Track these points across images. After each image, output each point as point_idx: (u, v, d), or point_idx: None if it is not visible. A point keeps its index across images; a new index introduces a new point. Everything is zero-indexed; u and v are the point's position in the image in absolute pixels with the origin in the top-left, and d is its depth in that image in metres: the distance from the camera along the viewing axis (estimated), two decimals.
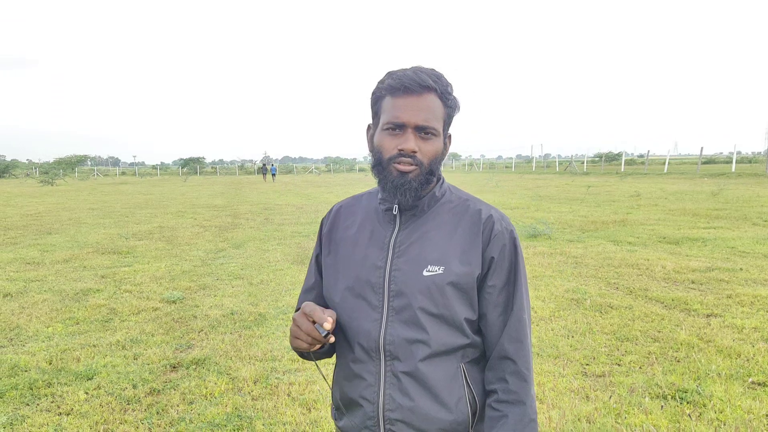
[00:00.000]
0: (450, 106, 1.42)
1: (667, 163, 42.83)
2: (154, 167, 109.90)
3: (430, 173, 1.41)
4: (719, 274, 7.44)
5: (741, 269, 7.74)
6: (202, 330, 5.65)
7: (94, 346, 5.22)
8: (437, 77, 1.39)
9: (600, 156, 61.89)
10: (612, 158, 61.40)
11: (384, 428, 1.44)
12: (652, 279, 7.35)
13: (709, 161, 57.09)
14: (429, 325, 1.40)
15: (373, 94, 1.44)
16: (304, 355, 1.50)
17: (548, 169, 58.55)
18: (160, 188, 36.77)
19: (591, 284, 7.17)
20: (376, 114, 1.45)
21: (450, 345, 1.42)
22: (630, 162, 59.05)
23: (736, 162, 38.91)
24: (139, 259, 9.64)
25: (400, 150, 1.37)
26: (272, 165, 58.47)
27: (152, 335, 5.51)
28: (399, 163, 1.37)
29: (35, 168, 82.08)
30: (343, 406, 1.53)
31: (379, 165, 1.41)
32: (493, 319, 1.45)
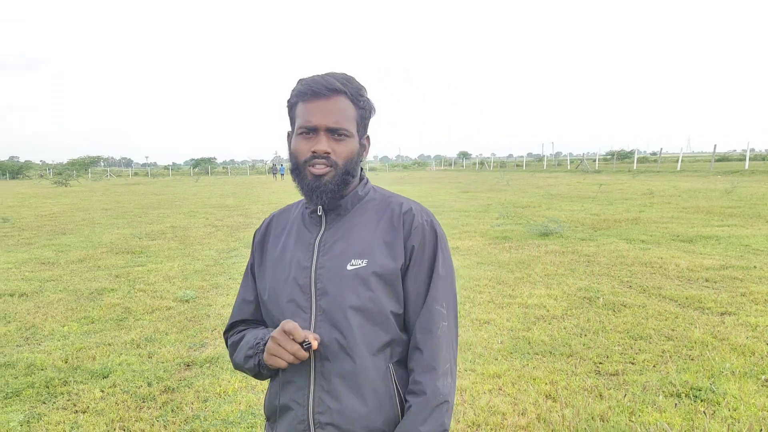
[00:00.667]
0: (362, 107, 1.45)
1: (680, 160, 42.51)
2: (166, 168, 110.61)
3: (347, 173, 1.44)
4: (733, 272, 7.39)
5: (755, 267, 7.68)
6: (215, 329, 5.68)
7: (109, 344, 5.27)
8: (347, 80, 1.43)
9: (612, 154, 61.51)
10: (624, 156, 60.99)
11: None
12: (666, 277, 7.31)
13: (723, 159, 56.58)
14: (355, 323, 1.40)
15: (288, 101, 1.48)
16: (260, 374, 1.50)
17: (559, 168, 58.29)
18: (173, 188, 37.00)
19: (604, 283, 7.14)
20: (292, 120, 1.48)
21: (377, 343, 1.42)
22: (642, 160, 58.62)
23: (749, 159, 38.51)
24: (152, 259, 9.72)
25: (313, 152, 1.40)
26: (281, 165, 58.52)
27: (166, 334, 5.55)
28: (313, 165, 1.41)
29: (49, 169, 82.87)
30: (276, 413, 1.52)
31: (296, 169, 1.45)
32: (411, 309, 1.45)
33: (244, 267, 7.20)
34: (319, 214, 1.50)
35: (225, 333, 1.67)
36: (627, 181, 29.53)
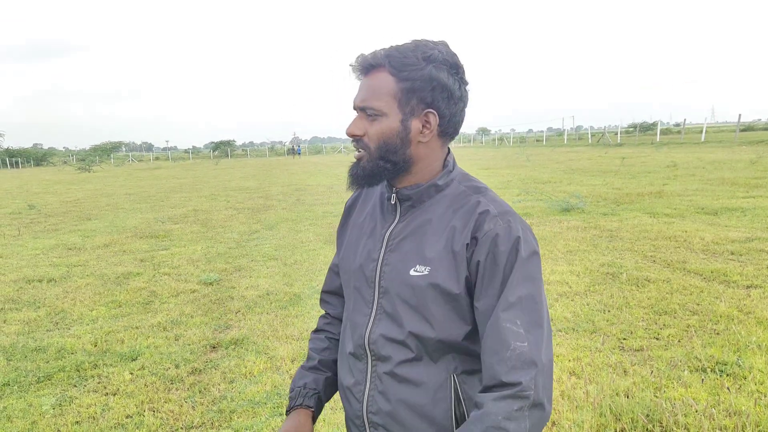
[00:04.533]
0: (407, 78, 1.24)
1: (704, 131, 41.77)
2: (186, 151, 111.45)
3: (381, 158, 1.27)
4: (759, 245, 7.28)
5: None
6: (239, 311, 5.76)
7: (137, 327, 5.36)
8: (394, 50, 1.25)
9: (634, 126, 60.60)
10: (647, 128, 60.07)
11: (368, 431, 1.37)
12: (691, 251, 7.22)
13: (748, 128, 55.41)
14: (415, 328, 1.28)
15: None
16: None
17: (580, 142, 57.60)
18: (193, 172, 37.29)
19: (627, 258, 7.08)
20: None
21: (437, 351, 1.29)
22: (665, 131, 57.68)
23: None
24: (175, 243, 9.84)
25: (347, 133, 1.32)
26: (298, 146, 58.77)
27: (191, 316, 5.64)
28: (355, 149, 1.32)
29: (72, 155, 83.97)
30: (341, 391, 1.47)
31: None
32: (480, 329, 1.25)
33: (266, 250, 7.27)
34: (393, 202, 1.36)
35: (320, 305, 1.68)
36: (650, 153, 29.10)
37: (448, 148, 1.37)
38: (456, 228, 1.27)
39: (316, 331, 1.63)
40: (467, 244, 1.24)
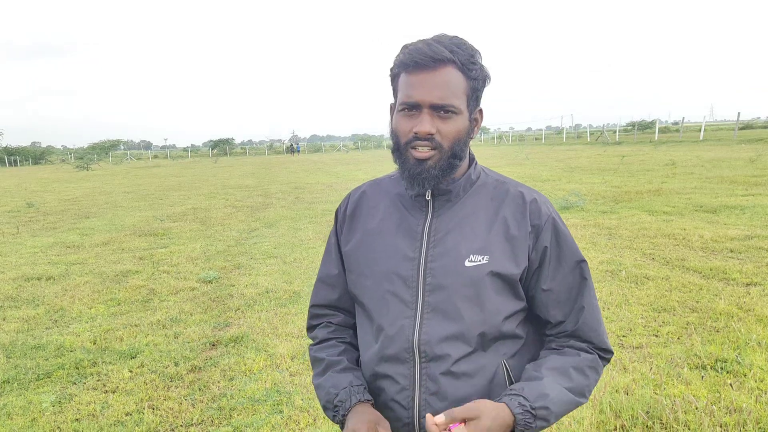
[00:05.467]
0: (474, 77, 1.26)
1: (702, 129, 41.73)
2: (185, 150, 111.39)
3: (453, 156, 1.27)
4: (758, 242, 7.28)
5: None
6: (238, 308, 5.75)
7: (136, 325, 5.36)
8: (456, 46, 1.23)
9: (633, 124, 60.57)
10: (645, 126, 60.05)
11: None
12: (689, 249, 7.23)
13: (747, 126, 55.42)
14: (470, 319, 1.28)
15: (390, 71, 1.31)
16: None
17: (579, 140, 57.61)
18: (192, 170, 37.25)
19: (626, 255, 7.08)
20: (394, 92, 1.32)
21: (490, 338, 1.31)
22: (664, 130, 57.65)
23: None
24: (174, 241, 9.83)
25: (415, 133, 1.24)
26: (297, 144, 58.71)
27: (191, 314, 5.63)
28: (415, 148, 1.25)
29: (70, 154, 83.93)
30: (377, 404, 1.39)
31: (398, 150, 1.30)
32: (558, 313, 1.35)
33: (265, 247, 7.26)
34: (428, 198, 1.34)
35: (309, 321, 1.57)
36: (648, 152, 29.10)
37: None
38: (508, 217, 1.32)
39: (322, 341, 1.51)
40: (529, 232, 1.31)
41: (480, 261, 1.28)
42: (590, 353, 1.34)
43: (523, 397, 1.21)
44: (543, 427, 1.23)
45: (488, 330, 1.30)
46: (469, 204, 1.34)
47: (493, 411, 1.18)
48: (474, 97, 1.28)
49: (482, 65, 1.28)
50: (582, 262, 1.35)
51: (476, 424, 1.15)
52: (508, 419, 1.19)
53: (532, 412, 1.20)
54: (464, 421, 1.16)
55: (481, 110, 1.33)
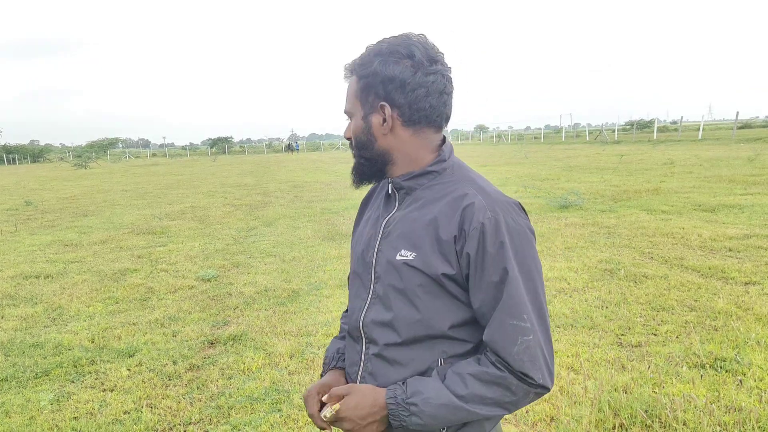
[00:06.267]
0: (365, 75, 1.31)
1: (701, 128, 41.75)
2: (183, 148, 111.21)
3: (360, 156, 1.39)
4: (757, 241, 7.29)
5: None
6: (237, 307, 5.74)
7: (134, 324, 5.35)
8: (363, 54, 1.33)
9: (631, 124, 60.58)
10: (644, 126, 60.07)
11: None
12: (688, 248, 7.23)
13: (745, 126, 55.46)
14: (402, 312, 1.31)
15: None
16: None
17: (578, 139, 57.64)
18: (191, 168, 37.22)
19: (625, 254, 7.08)
20: None
21: (423, 334, 1.31)
22: (663, 129, 57.64)
23: None
24: (173, 239, 9.82)
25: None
26: (296, 143, 58.82)
27: (189, 313, 5.62)
28: None
29: (69, 152, 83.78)
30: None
31: None
32: (483, 322, 1.29)
33: (264, 246, 7.28)
34: (389, 192, 1.42)
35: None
36: (647, 151, 29.13)
37: (444, 138, 1.40)
38: (441, 216, 1.28)
39: (346, 311, 1.66)
40: (455, 237, 1.25)
41: (407, 257, 1.29)
42: (499, 369, 1.23)
43: (403, 390, 1.27)
44: (419, 424, 1.26)
45: (417, 326, 1.30)
46: (421, 200, 1.35)
47: (366, 392, 1.31)
48: (366, 95, 1.32)
49: (376, 64, 1.29)
50: (505, 274, 1.22)
51: (345, 400, 1.31)
52: (380, 404, 1.28)
53: (404, 405, 1.25)
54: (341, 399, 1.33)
55: (383, 104, 1.31)
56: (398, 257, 1.31)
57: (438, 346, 1.32)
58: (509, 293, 1.22)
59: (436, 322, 1.30)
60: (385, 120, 1.32)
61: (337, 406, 1.31)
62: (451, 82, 1.34)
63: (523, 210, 1.33)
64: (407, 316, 1.31)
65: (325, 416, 1.33)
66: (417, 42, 1.29)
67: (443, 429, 1.30)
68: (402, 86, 1.28)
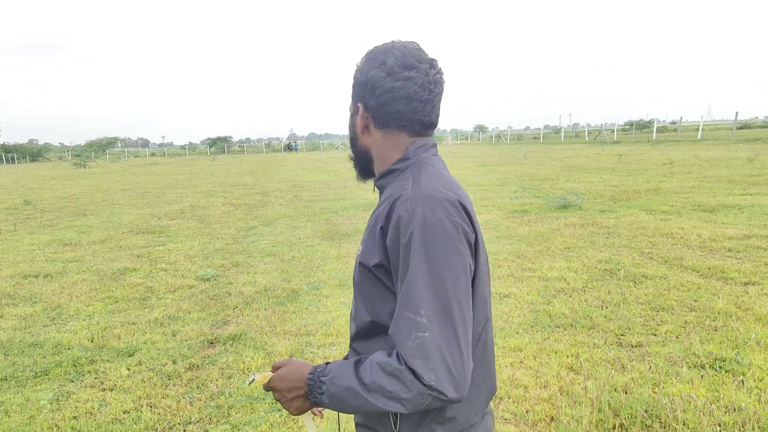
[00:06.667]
0: (354, 78, 1.44)
1: (700, 129, 41.75)
2: (182, 147, 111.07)
3: (352, 152, 1.50)
4: (757, 242, 7.29)
5: None
6: (236, 306, 5.74)
7: (134, 323, 5.35)
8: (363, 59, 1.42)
9: (631, 124, 60.56)
10: (643, 126, 60.06)
11: None
12: (688, 248, 7.23)
13: (745, 126, 55.47)
14: (357, 303, 1.40)
15: None
16: None
17: (577, 139, 57.63)
18: (190, 168, 37.19)
19: (624, 254, 7.08)
20: None
21: (377, 328, 1.34)
22: (662, 129, 57.63)
23: None
24: (172, 239, 9.81)
25: None
26: (295, 143, 58.85)
27: (189, 312, 5.62)
28: None
29: (68, 151, 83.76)
30: None
31: None
32: None
33: (263, 245, 7.27)
34: (374, 191, 1.52)
35: None
36: (646, 151, 29.13)
37: (417, 139, 1.40)
38: (381, 211, 1.32)
39: None
40: (383, 228, 1.29)
41: (360, 252, 1.37)
42: (399, 362, 1.20)
43: (323, 369, 1.33)
44: (327, 405, 1.30)
45: (379, 325, 1.34)
46: (383, 197, 1.40)
47: (296, 367, 1.37)
48: (353, 98, 1.45)
49: (363, 66, 1.39)
50: (407, 267, 1.22)
51: (278, 372, 1.39)
52: (303, 377, 1.34)
53: (318, 382, 1.31)
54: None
55: (358, 106, 1.42)
56: (357, 253, 1.39)
57: (389, 339, 1.30)
58: (407, 286, 1.21)
59: (380, 315, 1.33)
60: (362, 120, 1.43)
61: (267, 374, 1.42)
62: (428, 89, 1.35)
63: (463, 208, 1.29)
64: (361, 309, 1.38)
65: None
66: (395, 49, 1.35)
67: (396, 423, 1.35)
68: (372, 90, 1.37)
